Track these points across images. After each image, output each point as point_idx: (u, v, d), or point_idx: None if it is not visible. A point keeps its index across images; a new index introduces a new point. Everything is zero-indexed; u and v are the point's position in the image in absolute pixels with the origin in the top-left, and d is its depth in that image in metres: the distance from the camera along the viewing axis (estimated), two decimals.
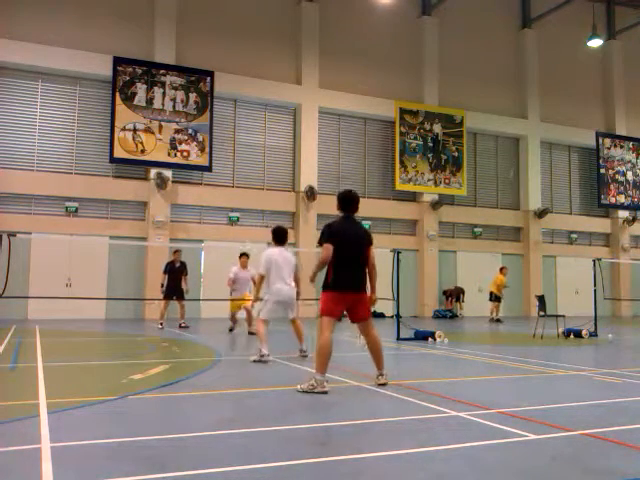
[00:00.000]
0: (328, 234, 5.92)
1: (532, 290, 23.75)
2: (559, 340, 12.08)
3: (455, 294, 23.14)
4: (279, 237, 8.24)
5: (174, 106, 19.68)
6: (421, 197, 23.61)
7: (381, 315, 21.76)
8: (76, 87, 19.15)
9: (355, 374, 6.74)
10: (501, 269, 19.76)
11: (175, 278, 14.08)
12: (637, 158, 28.36)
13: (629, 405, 5.28)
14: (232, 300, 12.70)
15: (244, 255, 12.80)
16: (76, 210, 18.68)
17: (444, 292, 23.43)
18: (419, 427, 4.31)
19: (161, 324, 13.88)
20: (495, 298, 19.21)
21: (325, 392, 5.48)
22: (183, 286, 14.10)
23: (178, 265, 14.22)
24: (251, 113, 21.54)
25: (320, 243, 5.95)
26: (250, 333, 12.03)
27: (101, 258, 18.73)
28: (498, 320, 18.74)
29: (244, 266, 12.63)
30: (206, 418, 4.57)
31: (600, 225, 27.66)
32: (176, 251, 14.61)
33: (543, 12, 25.74)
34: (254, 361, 7.76)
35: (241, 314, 12.93)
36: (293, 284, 8.16)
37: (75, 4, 19.02)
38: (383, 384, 5.88)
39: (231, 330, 12.92)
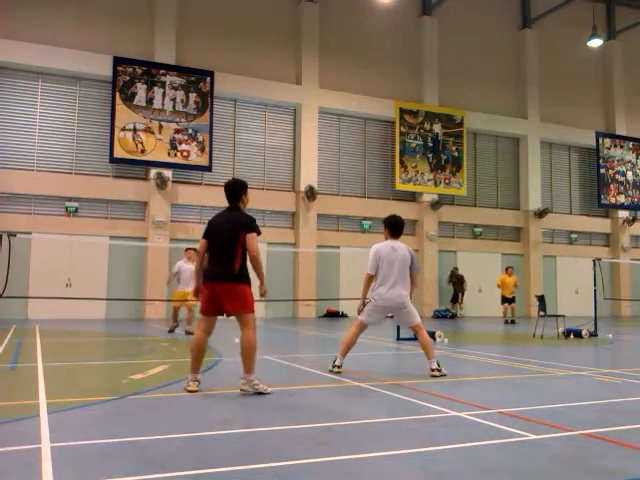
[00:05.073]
0: (206, 229, 5.91)
1: (532, 290, 23.73)
2: (559, 340, 12.08)
3: (459, 285, 22.98)
4: (395, 228, 6.99)
5: (174, 106, 19.68)
6: (421, 197, 23.61)
7: None
8: (76, 87, 19.15)
9: (355, 374, 6.74)
10: (506, 269, 19.55)
11: None
12: (637, 158, 28.36)
13: (629, 405, 5.28)
14: (175, 294, 12.48)
15: (190, 249, 12.48)
16: (76, 210, 18.68)
17: (450, 276, 23.35)
18: (419, 427, 4.31)
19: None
20: (505, 299, 18.95)
21: (193, 391, 5.48)
22: None
23: None
24: (251, 113, 21.55)
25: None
26: (187, 332, 11.90)
27: (101, 258, 18.73)
28: (512, 321, 18.53)
29: (190, 259, 12.33)
30: (206, 418, 4.57)
31: (600, 225, 27.66)
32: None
33: (543, 12, 25.75)
34: (329, 371, 6.78)
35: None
36: (406, 286, 6.84)
37: (75, 4, 19.02)
38: (244, 390, 5.44)
39: (171, 331, 12.40)
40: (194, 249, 13.98)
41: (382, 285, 6.76)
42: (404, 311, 6.84)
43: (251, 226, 5.65)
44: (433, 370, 6.63)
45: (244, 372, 5.52)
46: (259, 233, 5.70)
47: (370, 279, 6.85)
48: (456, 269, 23.48)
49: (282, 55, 21.83)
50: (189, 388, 5.53)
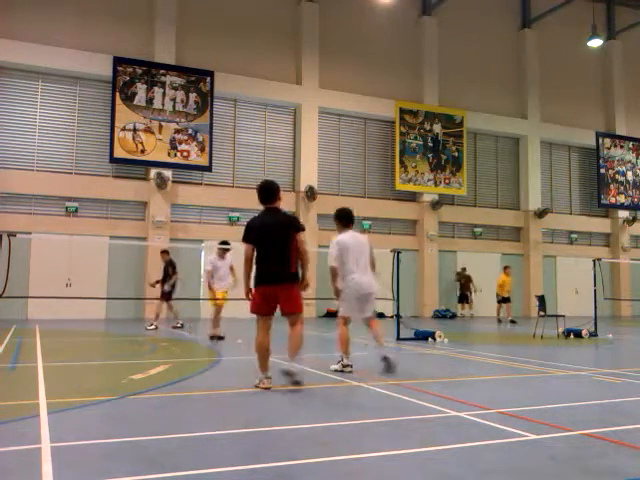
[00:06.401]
0: (244, 232, 5.93)
1: (532, 290, 23.73)
2: (559, 340, 12.08)
3: (465, 285, 22.80)
4: (347, 218, 7.09)
5: (174, 106, 19.68)
6: (421, 197, 23.60)
7: (381, 315, 21.75)
8: (76, 87, 19.15)
9: (355, 374, 6.73)
10: (504, 268, 19.66)
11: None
12: (637, 158, 28.35)
13: (629, 405, 5.28)
14: (213, 294, 11.50)
15: (223, 248, 11.72)
16: (76, 210, 18.68)
17: (456, 275, 23.21)
18: (419, 427, 4.31)
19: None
20: (502, 299, 19.02)
21: (268, 388, 5.63)
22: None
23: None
24: (251, 113, 21.54)
25: (243, 241, 5.92)
26: (212, 338, 11.04)
27: (101, 258, 18.72)
28: (512, 321, 18.56)
29: (222, 255, 11.60)
30: (206, 418, 4.57)
31: (600, 225, 27.65)
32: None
33: (543, 12, 25.73)
34: (335, 371, 6.81)
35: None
36: (372, 274, 7.00)
37: (75, 4, 19.02)
38: (289, 373, 5.71)
39: (221, 338, 11.09)
40: (167, 251, 14.24)
41: (354, 273, 6.81)
42: (372, 298, 6.98)
43: (300, 225, 5.95)
44: (383, 359, 6.75)
45: (289, 358, 5.84)
46: (304, 230, 5.96)
47: (336, 272, 6.92)
48: (464, 269, 23.27)
49: (282, 55, 21.83)
50: (263, 385, 5.67)
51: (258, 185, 6.10)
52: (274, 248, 5.77)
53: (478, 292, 23.03)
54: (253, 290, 5.85)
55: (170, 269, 14.11)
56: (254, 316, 5.91)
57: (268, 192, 6.00)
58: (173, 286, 14.15)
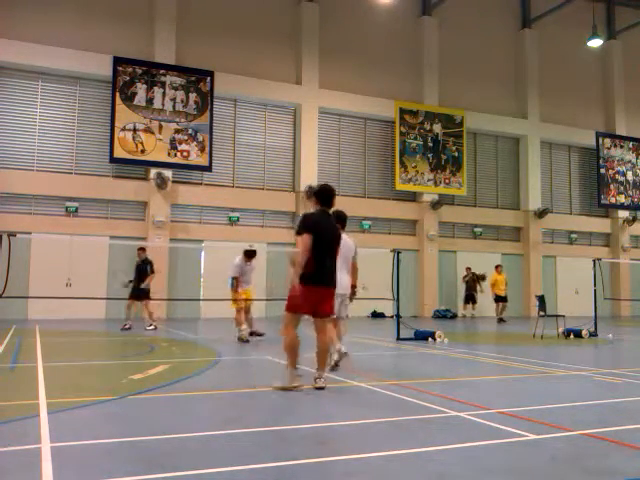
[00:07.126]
0: (308, 225, 5.78)
1: (532, 290, 23.72)
2: (559, 340, 12.08)
3: (473, 285, 22.47)
4: (341, 220, 7.04)
5: (174, 106, 19.68)
6: (421, 197, 23.60)
7: (381, 315, 21.76)
8: (76, 87, 19.15)
9: (355, 374, 6.73)
10: (496, 267, 19.74)
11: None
12: (637, 158, 28.35)
13: (629, 405, 5.28)
14: (236, 295, 11.18)
15: (251, 254, 11.45)
16: (76, 210, 18.68)
17: (465, 277, 22.93)
18: (419, 427, 4.31)
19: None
20: (498, 298, 19.13)
21: (295, 387, 5.54)
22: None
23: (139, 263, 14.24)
24: (251, 113, 21.54)
25: (299, 233, 5.79)
26: (252, 334, 11.06)
27: (101, 258, 18.72)
28: (501, 319, 18.74)
29: (249, 260, 11.37)
30: (206, 418, 4.58)
31: (600, 225, 27.65)
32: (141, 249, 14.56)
33: (543, 12, 25.74)
34: (336, 363, 6.85)
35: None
36: (348, 277, 7.14)
37: (75, 4, 19.01)
38: (321, 388, 5.64)
39: (253, 335, 11.07)
40: (144, 248, 14.34)
41: (339, 272, 6.64)
42: (345, 302, 7.09)
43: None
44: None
45: (320, 369, 5.76)
46: None
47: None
48: (469, 269, 23.00)
49: (282, 55, 21.83)
50: (297, 384, 5.58)
51: (321, 187, 6.11)
52: (327, 250, 5.86)
53: (480, 292, 22.96)
54: (300, 287, 5.60)
55: (149, 267, 14.11)
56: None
57: (330, 196, 6.05)
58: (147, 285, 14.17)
